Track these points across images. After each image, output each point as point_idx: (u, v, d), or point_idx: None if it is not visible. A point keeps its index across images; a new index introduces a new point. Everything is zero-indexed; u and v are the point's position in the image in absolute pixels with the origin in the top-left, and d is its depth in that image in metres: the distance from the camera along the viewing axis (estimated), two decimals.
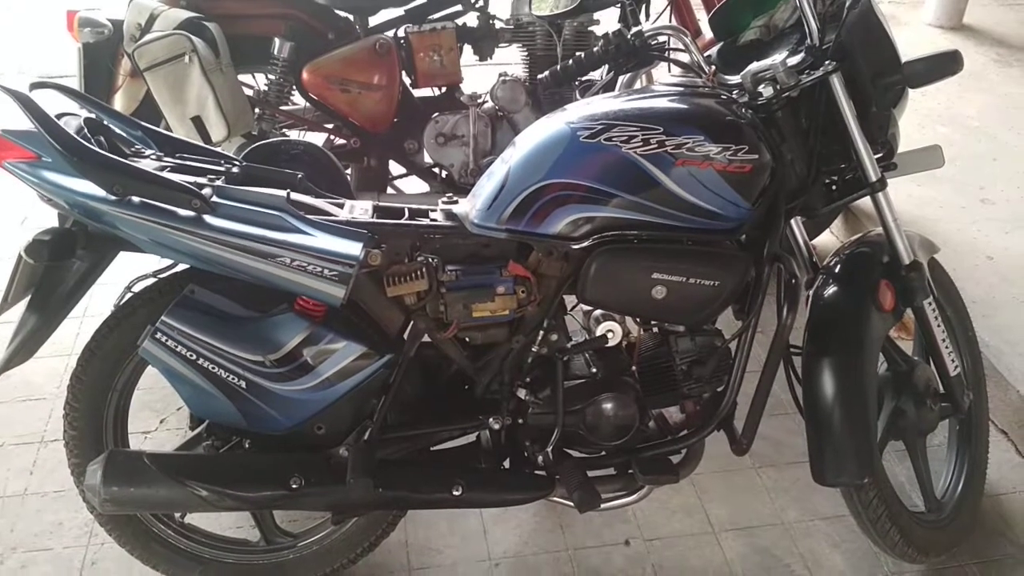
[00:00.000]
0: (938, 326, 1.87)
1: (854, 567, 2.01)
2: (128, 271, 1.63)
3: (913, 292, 1.80)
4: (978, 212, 3.26)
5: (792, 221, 1.83)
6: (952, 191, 3.35)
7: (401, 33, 2.72)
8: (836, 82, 1.64)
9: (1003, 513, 2.17)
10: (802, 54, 1.68)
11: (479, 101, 2.76)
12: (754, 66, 1.69)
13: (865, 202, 1.77)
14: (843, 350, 1.73)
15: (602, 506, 1.72)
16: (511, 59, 2.93)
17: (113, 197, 1.42)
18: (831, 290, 1.78)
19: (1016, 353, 2.49)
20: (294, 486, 1.56)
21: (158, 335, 1.50)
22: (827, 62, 1.63)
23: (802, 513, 2.14)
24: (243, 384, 1.52)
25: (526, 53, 2.84)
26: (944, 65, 1.69)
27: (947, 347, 1.89)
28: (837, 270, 1.81)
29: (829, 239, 3.13)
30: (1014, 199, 3.35)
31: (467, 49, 2.82)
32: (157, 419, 2.22)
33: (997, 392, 2.38)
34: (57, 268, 1.53)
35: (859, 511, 1.84)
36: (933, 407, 1.89)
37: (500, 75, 2.74)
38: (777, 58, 1.69)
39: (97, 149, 1.45)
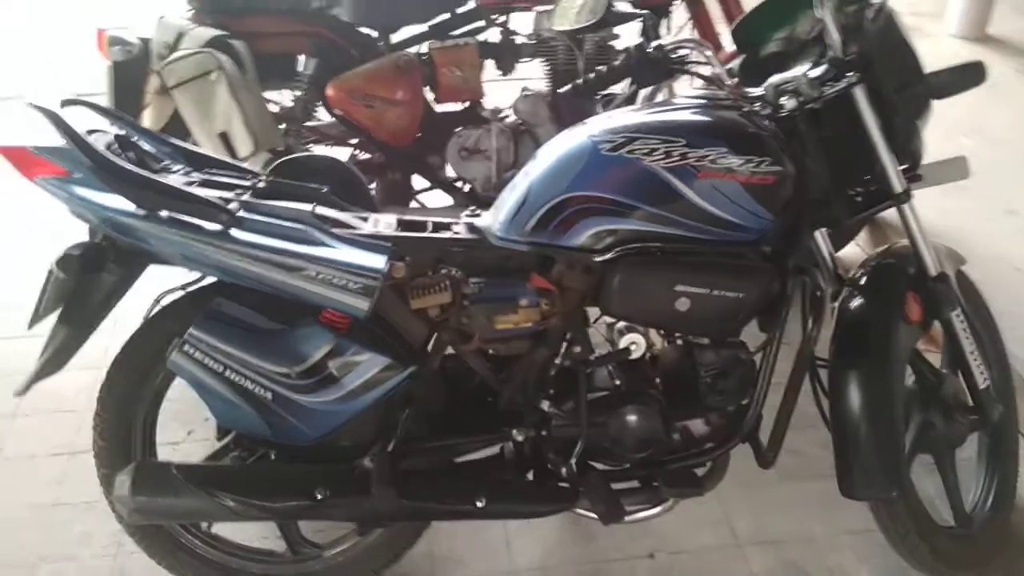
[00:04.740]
0: (966, 338, 1.85)
1: None
2: (157, 284, 1.65)
3: (940, 304, 1.78)
4: (1005, 224, 3.22)
5: (817, 233, 1.81)
6: (978, 202, 3.32)
7: (424, 49, 2.74)
8: (859, 93, 1.63)
9: None
10: (825, 66, 1.68)
11: (501, 116, 2.78)
12: (776, 78, 1.69)
13: (891, 214, 1.76)
14: (870, 362, 1.71)
15: (626, 519, 1.72)
16: (533, 74, 2.94)
17: (142, 212, 1.45)
18: (857, 302, 1.77)
19: None
20: (319, 497, 1.57)
21: (186, 347, 1.52)
22: (850, 73, 1.63)
23: (829, 527, 2.11)
24: (269, 396, 1.54)
25: (548, 68, 2.85)
26: (968, 76, 1.68)
27: (976, 359, 1.87)
28: (863, 282, 1.80)
29: (855, 251, 3.11)
30: None
31: (489, 64, 2.84)
32: (185, 430, 2.24)
33: None
34: (87, 281, 1.55)
35: (887, 525, 1.82)
36: (962, 420, 1.87)
37: (522, 90, 2.75)
38: (799, 70, 1.69)
39: (127, 165, 1.48)
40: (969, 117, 3.92)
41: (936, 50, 4.73)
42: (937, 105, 1.82)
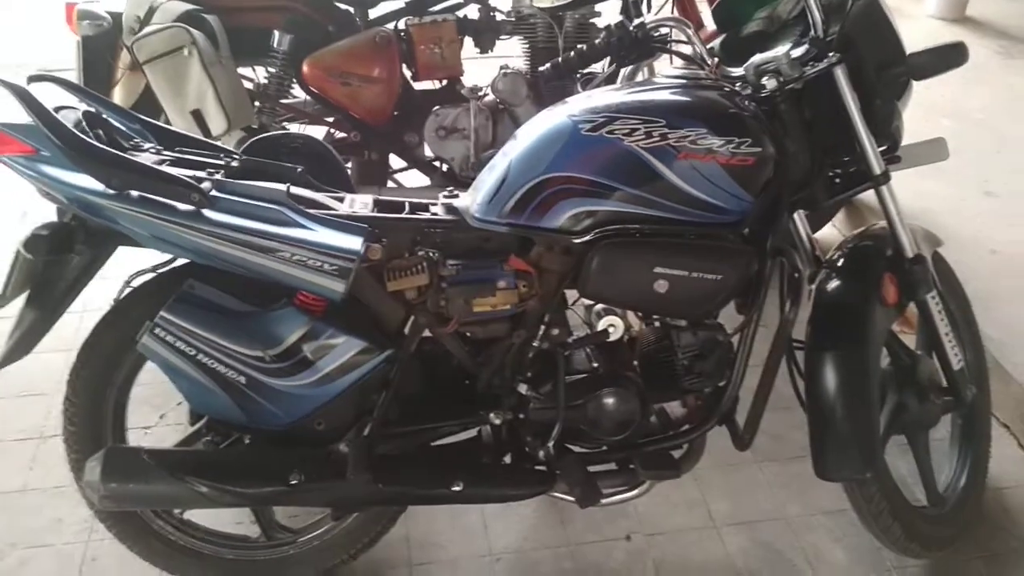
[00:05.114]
0: (941, 320, 1.86)
1: (856, 562, 2.00)
2: (127, 266, 1.62)
3: (916, 286, 1.79)
4: (982, 205, 3.24)
5: (795, 214, 1.81)
6: (956, 184, 3.34)
7: (401, 25, 2.71)
8: (840, 74, 1.62)
9: (1006, 507, 2.16)
10: (806, 46, 1.67)
11: (480, 94, 2.75)
12: (757, 58, 1.68)
13: (868, 195, 1.76)
14: (846, 344, 1.71)
15: (603, 501, 1.72)
16: (512, 52, 2.91)
17: (112, 191, 1.41)
18: (834, 284, 1.77)
19: (1019, 347, 2.48)
20: (294, 482, 1.56)
21: (157, 330, 1.50)
22: (831, 54, 1.62)
23: (804, 508, 2.13)
24: (243, 380, 1.52)
25: (527, 45, 2.82)
26: (949, 57, 1.68)
27: (950, 341, 1.88)
28: (840, 264, 1.80)
29: (832, 232, 3.12)
30: (1018, 192, 3.33)
31: (468, 42, 2.81)
32: (157, 414, 2.22)
33: (1000, 386, 2.37)
34: (56, 263, 1.52)
35: (861, 506, 1.83)
36: (936, 401, 1.88)
37: (501, 68, 2.72)
38: (780, 50, 1.68)
39: (95, 143, 1.44)
40: (948, 98, 3.94)
41: (916, 31, 4.74)
42: (917, 86, 1.82)
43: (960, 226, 3.08)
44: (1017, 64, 4.49)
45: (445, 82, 2.80)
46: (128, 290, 1.62)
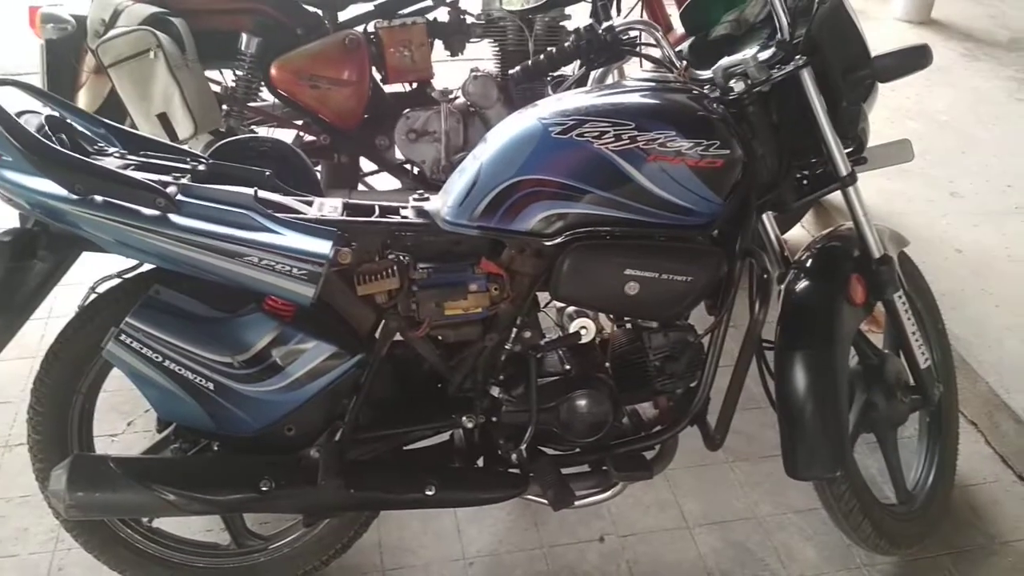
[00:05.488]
0: (908, 319, 1.88)
1: (827, 560, 2.02)
2: (92, 272, 1.59)
3: (883, 285, 1.81)
4: (947, 206, 3.29)
5: (764, 216, 1.83)
6: (921, 185, 3.39)
7: (371, 28, 2.69)
8: (806, 77, 1.64)
9: (973, 504, 2.19)
10: (773, 49, 1.68)
11: (450, 97, 2.74)
12: (725, 61, 1.69)
13: (836, 196, 1.78)
14: (815, 344, 1.73)
15: (576, 503, 1.72)
16: (482, 55, 2.91)
17: (75, 196, 1.39)
18: (803, 284, 1.79)
19: (985, 345, 2.52)
20: (264, 489, 1.54)
21: (123, 337, 1.47)
22: (797, 56, 1.63)
23: (775, 507, 2.15)
24: (211, 386, 1.50)
25: (497, 48, 2.82)
26: (914, 59, 1.70)
27: (917, 340, 1.90)
28: (808, 264, 1.82)
29: (800, 233, 3.15)
30: (982, 192, 3.39)
31: (438, 45, 2.80)
32: (124, 422, 2.19)
33: (967, 384, 2.41)
34: (19, 269, 1.49)
35: (831, 504, 1.85)
36: (904, 399, 1.91)
37: (471, 71, 2.72)
38: (748, 53, 1.69)
39: (58, 147, 1.41)
40: (914, 101, 3.99)
41: (882, 33, 4.81)
42: (882, 88, 1.84)
43: (926, 226, 3.13)
44: (981, 66, 4.57)
45: (415, 85, 2.80)
46: (93, 296, 1.60)
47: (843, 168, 1.70)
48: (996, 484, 2.25)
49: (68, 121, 1.59)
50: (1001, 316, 2.67)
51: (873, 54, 1.70)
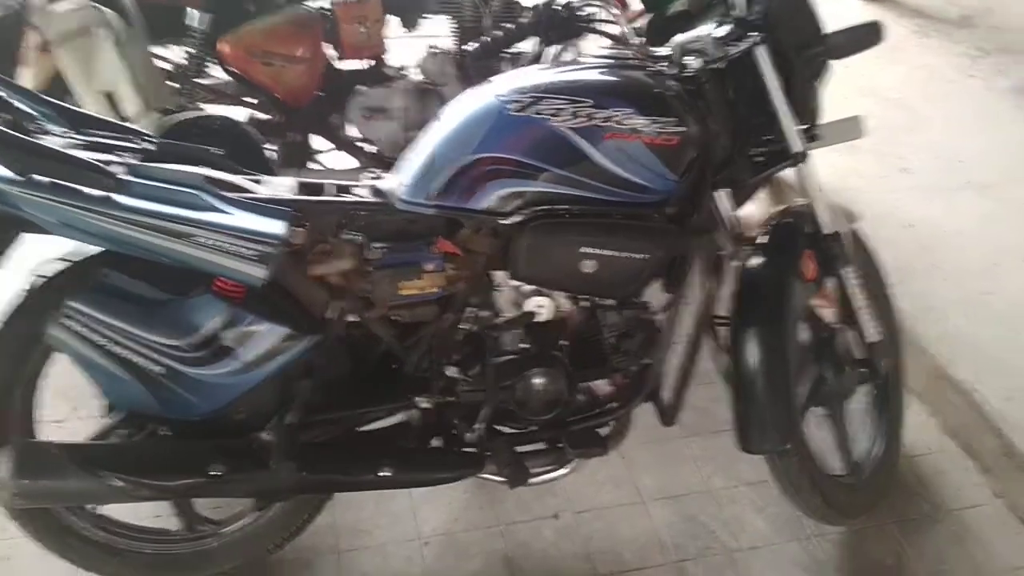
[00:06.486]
0: (857, 294, 1.91)
1: (777, 531, 2.06)
2: (34, 254, 1.55)
3: (834, 260, 1.84)
4: (898, 182, 3.35)
5: (718, 193, 1.84)
6: (873, 161, 3.43)
7: (325, 4, 2.64)
8: (762, 53, 1.64)
9: (919, 474, 2.25)
10: (729, 26, 1.68)
11: (405, 73, 2.71)
12: (681, 38, 1.69)
13: (791, 173, 1.80)
14: (767, 320, 1.76)
15: (532, 481, 1.73)
16: (438, 31, 2.87)
17: (16, 177, 1.34)
18: (756, 261, 1.81)
19: (931, 320, 2.58)
20: (215, 473, 1.52)
21: (67, 321, 1.44)
22: (753, 33, 1.64)
23: (727, 480, 2.18)
24: (160, 370, 1.47)
25: (454, 24, 2.79)
26: (866, 37, 1.72)
27: (866, 314, 1.94)
28: (762, 241, 1.84)
29: (754, 210, 3.18)
30: (932, 169, 3.44)
31: (393, 21, 2.76)
32: (69, 407, 2.14)
33: (913, 357, 2.45)
34: None
35: (782, 476, 1.89)
36: (852, 373, 1.95)
37: (428, 47, 2.69)
38: (704, 29, 1.69)
39: None
40: (866, 78, 4.03)
41: (836, 10, 4.83)
42: (836, 65, 1.85)
43: (877, 202, 3.17)
44: (932, 43, 4.63)
45: (371, 62, 2.75)
46: (35, 279, 1.55)
47: (797, 145, 1.71)
48: (941, 455, 2.32)
49: (8, 99, 1.53)
50: (948, 290, 2.72)
51: (826, 31, 1.71)
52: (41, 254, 1.55)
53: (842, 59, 1.79)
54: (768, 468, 1.91)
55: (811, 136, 1.78)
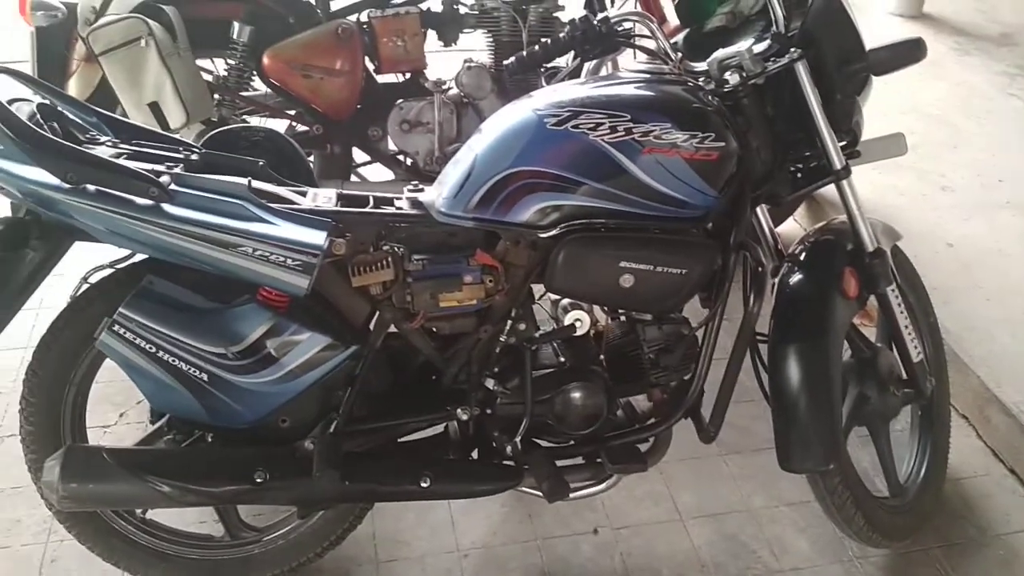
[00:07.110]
0: (901, 313, 1.88)
1: (819, 552, 2.03)
2: (85, 262, 1.58)
3: (876, 279, 1.81)
4: (939, 200, 3.30)
5: (757, 209, 1.83)
6: (913, 179, 3.40)
7: (364, 18, 2.68)
8: (801, 69, 1.63)
9: (965, 497, 2.20)
10: (768, 41, 1.68)
11: (444, 88, 2.73)
12: (720, 53, 1.68)
13: (829, 190, 1.78)
14: (808, 337, 1.74)
15: (571, 496, 1.72)
16: (476, 45, 2.90)
17: (67, 185, 1.38)
18: (796, 278, 1.79)
19: (976, 339, 2.53)
20: (259, 480, 1.53)
21: (116, 327, 1.46)
22: (792, 49, 1.63)
23: (768, 499, 2.15)
24: (205, 377, 1.49)
25: (491, 39, 2.81)
26: (908, 53, 1.70)
27: (910, 333, 1.91)
28: (802, 258, 1.82)
29: (794, 227, 3.15)
30: (973, 187, 3.40)
31: (431, 35, 2.79)
32: (116, 413, 2.18)
33: (958, 377, 2.41)
34: (10, 259, 1.48)
35: (824, 497, 1.86)
36: (896, 393, 1.91)
37: (465, 61, 2.71)
38: (743, 45, 1.69)
39: (50, 135, 1.40)
40: (906, 95, 4.00)
41: (874, 27, 4.81)
42: (876, 82, 1.84)
43: (918, 220, 3.14)
44: (972, 60, 4.58)
45: (409, 75, 2.78)
46: (85, 287, 1.59)
47: (837, 161, 1.69)
48: (987, 477, 2.27)
49: (59, 109, 1.58)
50: (991, 310, 2.68)
51: (867, 48, 1.70)
52: (91, 261, 1.58)
53: (883, 75, 1.78)
54: (810, 488, 1.88)
55: (852, 152, 1.76)
